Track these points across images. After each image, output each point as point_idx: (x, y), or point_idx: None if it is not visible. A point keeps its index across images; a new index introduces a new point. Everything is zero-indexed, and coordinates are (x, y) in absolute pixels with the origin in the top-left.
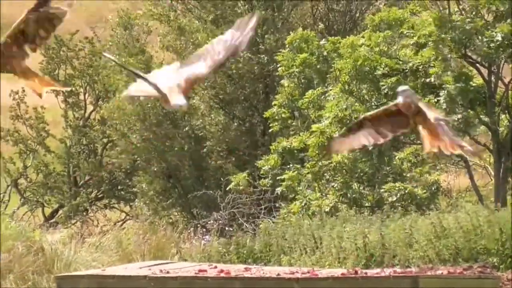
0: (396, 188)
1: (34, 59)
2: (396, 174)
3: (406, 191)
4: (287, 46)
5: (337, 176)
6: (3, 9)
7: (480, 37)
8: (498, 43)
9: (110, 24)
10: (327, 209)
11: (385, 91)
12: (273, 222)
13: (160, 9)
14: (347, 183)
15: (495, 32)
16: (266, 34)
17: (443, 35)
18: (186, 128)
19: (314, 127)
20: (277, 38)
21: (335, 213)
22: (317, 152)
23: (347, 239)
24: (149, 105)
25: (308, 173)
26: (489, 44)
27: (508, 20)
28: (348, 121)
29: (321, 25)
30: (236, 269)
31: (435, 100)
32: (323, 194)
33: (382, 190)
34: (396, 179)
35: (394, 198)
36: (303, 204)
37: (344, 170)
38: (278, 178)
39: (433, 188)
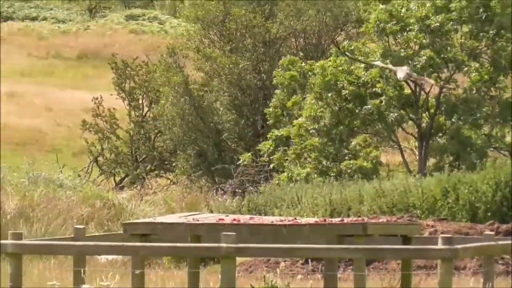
0: (350, 165)
1: (107, 76)
2: (352, 154)
3: (357, 165)
4: (279, 67)
5: (311, 155)
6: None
7: (409, 62)
8: (421, 64)
9: (160, 52)
10: (304, 177)
11: (345, 97)
12: (269, 187)
13: (193, 43)
14: (318, 160)
15: (421, 58)
16: (263, 61)
17: (386, 60)
18: (211, 124)
19: (295, 122)
20: (271, 64)
21: (309, 180)
22: (297, 139)
23: (318, 198)
24: (187, 110)
25: (292, 153)
26: (416, 66)
27: (428, 49)
28: (319, 118)
29: (301, 54)
30: (244, 218)
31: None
32: (303, 167)
33: (342, 165)
34: (351, 158)
35: (349, 171)
36: (288, 175)
37: (316, 151)
38: (272, 157)
39: (375, 162)
